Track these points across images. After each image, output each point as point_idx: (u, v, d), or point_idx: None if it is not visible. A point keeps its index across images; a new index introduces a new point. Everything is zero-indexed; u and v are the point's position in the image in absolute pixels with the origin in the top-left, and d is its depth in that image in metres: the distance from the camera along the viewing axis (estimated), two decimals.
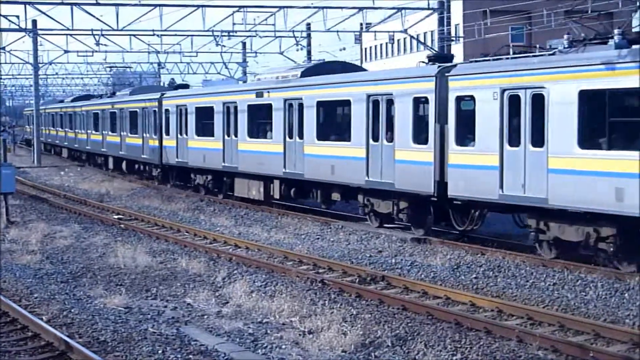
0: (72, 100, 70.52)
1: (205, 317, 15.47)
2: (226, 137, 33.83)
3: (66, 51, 61.86)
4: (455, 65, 22.95)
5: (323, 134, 27.91)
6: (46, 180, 47.72)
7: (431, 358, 12.82)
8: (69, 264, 20.96)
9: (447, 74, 22.30)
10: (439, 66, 22.96)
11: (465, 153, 21.68)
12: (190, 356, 12.77)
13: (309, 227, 26.92)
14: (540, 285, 17.60)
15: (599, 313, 15.24)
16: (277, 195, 30.94)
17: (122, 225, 27.93)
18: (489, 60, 21.79)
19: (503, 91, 20.44)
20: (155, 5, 43.66)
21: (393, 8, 47.13)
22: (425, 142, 22.89)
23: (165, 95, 41.59)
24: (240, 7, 43.90)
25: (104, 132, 53.10)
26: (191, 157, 37.29)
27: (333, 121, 28.52)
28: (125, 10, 43.74)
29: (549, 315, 14.86)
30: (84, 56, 65.09)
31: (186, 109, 37.99)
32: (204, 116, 36.13)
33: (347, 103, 26.39)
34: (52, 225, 27.68)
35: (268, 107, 30.76)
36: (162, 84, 71.25)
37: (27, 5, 44.97)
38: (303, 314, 15.20)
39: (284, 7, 44.17)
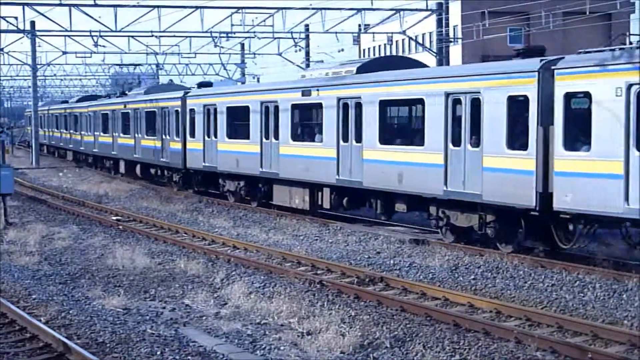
0: (78, 101, 67.35)
1: (204, 318, 15.47)
2: (264, 139, 30.84)
3: (64, 52, 61.92)
4: (562, 58, 19.90)
5: (387, 137, 24.98)
6: (44, 181, 47.70)
7: (430, 359, 12.83)
8: (68, 265, 20.95)
9: (553, 68, 19.43)
10: (542, 59, 20.07)
11: (577, 159, 18.80)
12: (189, 357, 12.77)
13: (308, 228, 26.92)
14: (539, 286, 17.61)
15: (597, 314, 15.25)
16: (326, 205, 27.93)
17: (120, 227, 27.92)
18: (607, 50, 19.02)
19: (629, 86, 17.74)
20: (154, 7, 43.71)
21: (391, 9, 47.19)
22: (524, 147, 19.93)
23: (189, 94, 38.36)
24: (239, 8, 43.96)
25: (114, 134, 49.83)
26: (221, 162, 34.10)
27: (400, 122, 26.30)
28: (124, 11, 43.79)
29: (548, 317, 14.86)
30: (82, 57, 65.18)
31: (215, 109, 34.74)
32: (238, 116, 33.15)
33: (418, 102, 23.63)
34: (51, 227, 27.67)
35: (317, 107, 28.04)
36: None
37: (26, 7, 45.01)
38: (301, 315, 15.20)
39: (282, 8, 44.22)
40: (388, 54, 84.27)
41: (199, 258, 21.65)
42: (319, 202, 28.22)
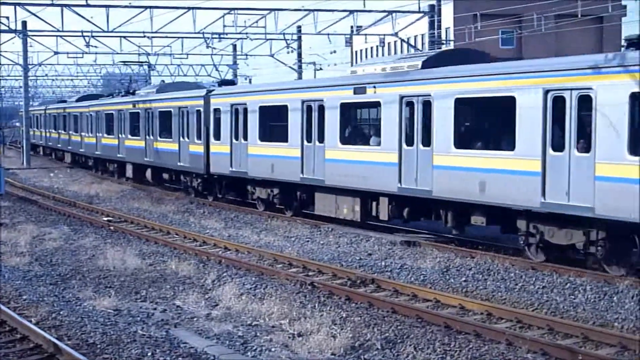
0: (77, 100, 64.18)
1: (195, 319, 15.45)
2: (306, 142, 27.72)
3: (56, 52, 61.84)
4: None
5: (464, 140, 21.93)
6: (35, 181, 47.61)
7: None
8: (58, 266, 20.90)
9: None
10: None
11: None
12: (180, 358, 12.75)
13: (299, 229, 26.92)
14: (530, 288, 17.64)
15: (588, 316, 15.28)
16: (383, 216, 24.96)
17: (111, 227, 27.88)
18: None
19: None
20: (146, 7, 43.69)
21: (384, 11, 47.23)
22: None
23: (214, 92, 34.98)
24: (231, 9, 43.94)
25: (121, 135, 46.44)
26: (252, 167, 30.93)
27: (481, 123, 22.98)
28: (116, 11, 43.78)
29: (538, 319, 14.88)
30: (74, 58, 65.08)
31: (245, 109, 31.55)
32: (273, 117, 30.22)
33: (506, 100, 20.32)
34: (41, 227, 27.61)
35: (373, 106, 25.15)
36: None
37: (17, 7, 44.93)
38: (292, 317, 15.19)
39: (274, 9, 44.22)
40: (380, 56, 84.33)
41: (190, 259, 21.63)
42: (373, 213, 25.40)
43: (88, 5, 42.84)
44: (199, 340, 13.92)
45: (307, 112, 27.79)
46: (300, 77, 62.68)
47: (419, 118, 23.04)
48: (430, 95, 22.61)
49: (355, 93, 25.52)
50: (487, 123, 22.59)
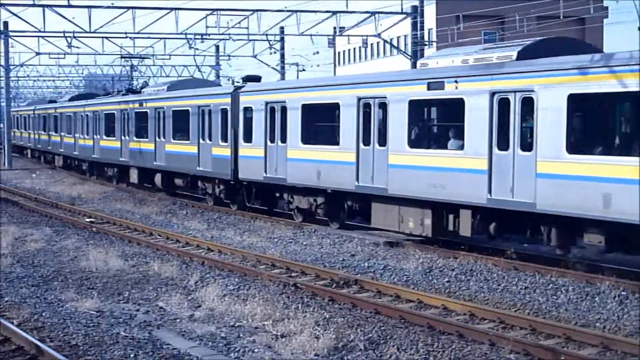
0: (70, 100, 60.53)
1: (178, 320, 15.42)
2: (363, 145, 24.27)
3: (38, 53, 61.57)
4: None
5: (579, 143, 18.67)
6: (17, 183, 47.40)
7: None
8: (40, 267, 20.82)
9: None
10: None
11: None
12: None
13: (282, 230, 26.90)
14: (512, 289, 17.69)
15: (570, 317, 15.34)
16: (465, 231, 21.36)
17: (94, 229, 27.78)
18: None
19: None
20: (128, 8, 43.59)
21: (366, 12, 47.30)
22: None
23: (244, 89, 31.15)
24: (214, 10, 43.89)
25: (124, 137, 42.66)
26: (292, 173, 27.43)
27: (601, 123, 19.39)
28: (98, 12, 43.61)
29: (521, 319, 14.93)
30: (55, 58, 64.83)
31: (284, 107, 28.00)
32: (320, 116, 27.05)
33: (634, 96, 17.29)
34: (23, 229, 27.48)
35: (453, 104, 21.56)
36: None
37: None
38: (276, 318, 15.19)
39: (257, 10, 44.19)
40: (363, 57, 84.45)
41: (173, 260, 21.58)
42: (451, 227, 21.86)
43: (70, 6, 42.71)
44: (182, 341, 13.89)
45: (365, 110, 24.37)
46: (283, 79, 62.60)
47: (517, 117, 19.68)
48: (533, 90, 19.21)
49: (429, 89, 22.09)
50: (612, 123, 19.33)
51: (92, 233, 27.05)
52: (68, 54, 58.25)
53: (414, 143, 22.70)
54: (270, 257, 21.64)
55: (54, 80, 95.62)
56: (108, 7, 44.18)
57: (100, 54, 57.48)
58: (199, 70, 66.85)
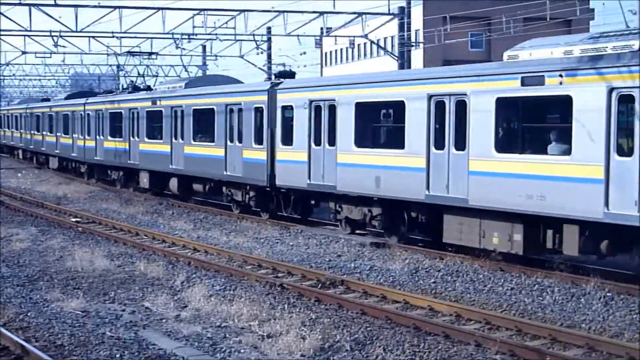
0: (67, 98, 57.29)
1: (164, 321, 15.39)
2: (435, 149, 21.46)
3: (24, 52, 61.32)
4: None
5: None
6: (2, 182, 47.23)
7: None
8: (26, 267, 20.75)
9: None
10: None
11: None
12: None
13: (268, 231, 26.88)
14: (498, 290, 17.72)
15: (556, 317, 15.38)
16: (570, 250, 18.57)
17: (79, 228, 27.72)
18: None
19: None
20: (115, 7, 43.42)
21: (353, 13, 47.27)
22: None
23: (282, 86, 28.34)
24: (201, 10, 43.77)
25: (133, 138, 39.69)
26: (343, 179, 24.46)
27: None
28: (85, 11, 43.45)
29: (507, 320, 14.96)
30: (42, 57, 64.54)
31: (333, 106, 25.12)
32: (379, 116, 24.88)
33: None
34: (9, 228, 27.40)
35: (556, 102, 19.32)
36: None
37: None
38: (262, 318, 15.18)
39: (244, 10, 44.11)
40: (349, 57, 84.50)
41: (159, 260, 21.55)
42: (550, 244, 19.16)
43: (56, 5, 42.53)
44: (168, 341, 13.87)
45: (437, 109, 21.57)
46: (269, 79, 62.50)
47: None
48: None
49: (524, 84, 19.31)
50: None
51: (77, 233, 26.98)
52: (54, 53, 58.02)
53: (502, 147, 19.86)
54: (256, 257, 21.63)
55: (40, 80, 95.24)
56: (95, 6, 44.02)
57: (86, 54, 57.27)
58: (186, 70, 66.73)
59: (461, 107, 20.81)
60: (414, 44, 53.51)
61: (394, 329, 14.75)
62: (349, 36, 48.11)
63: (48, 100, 67.82)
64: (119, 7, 43.04)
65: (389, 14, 48.27)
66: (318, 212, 28.54)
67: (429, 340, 13.99)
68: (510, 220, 19.68)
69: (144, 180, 38.74)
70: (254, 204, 30.15)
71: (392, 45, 60.74)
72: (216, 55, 59.89)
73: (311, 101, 26.04)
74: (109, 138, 43.15)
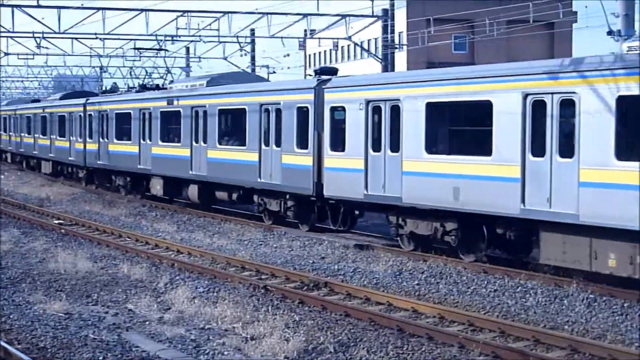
0: (62, 98, 54.10)
1: (147, 323, 15.35)
2: (532, 157, 18.70)
3: (6, 54, 61.04)
4: None
5: None
6: None
7: None
8: (8, 269, 20.65)
9: None
10: None
11: None
12: None
13: (252, 233, 26.85)
14: (482, 291, 17.76)
15: (539, 319, 15.42)
16: None
17: (62, 231, 27.62)
18: None
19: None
20: (98, 9, 43.32)
21: (337, 15, 47.30)
22: None
23: (331, 85, 25.16)
24: (184, 11, 43.73)
25: (144, 141, 36.42)
26: (411, 190, 21.61)
27: None
28: (68, 13, 43.25)
29: (490, 322, 14.99)
30: (24, 59, 64.26)
31: (396, 106, 22.37)
32: (454, 118, 21.39)
33: None
34: None
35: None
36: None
37: None
38: (246, 320, 15.16)
39: (228, 12, 44.08)
40: (333, 59, 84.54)
41: (143, 262, 21.49)
42: None
43: (39, 6, 42.38)
44: (151, 344, 13.84)
45: (535, 110, 18.77)
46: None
47: None
48: None
49: None
50: None
51: (60, 235, 26.88)
52: (37, 54, 57.81)
53: (623, 154, 16.99)
54: (240, 259, 21.60)
55: (22, 81, 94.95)
56: (78, 7, 43.88)
57: (69, 55, 57.09)
58: (169, 72, 66.59)
59: (569, 107, 18.15)
60: (397, 46, 53.64)
61: (378, 330, 14.76)
62: (333, 38, 48.09)
63: (38, 101, 65.27)
64: (102, 9, 42.92)
65: (372, 16, 48.33)
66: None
67: (412, 342, 14.01)
68: (626, 239, 16.92)
69: (157, 187, 35.55)
70: (292, 215, 27.14)
71: (376, 48, 60.84)
72: (200, 57, 59.83)
73: (368, 101, 23.20)
74: (115, 141, 39.76)
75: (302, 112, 25.96)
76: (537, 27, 52.37)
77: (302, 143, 25.90)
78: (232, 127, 30.45)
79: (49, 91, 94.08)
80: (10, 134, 65.32)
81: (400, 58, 61.25)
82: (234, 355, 13.20)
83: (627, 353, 12.98)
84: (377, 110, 23.05)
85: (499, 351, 13.25)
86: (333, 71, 27.75)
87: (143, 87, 42.00)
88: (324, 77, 26.31)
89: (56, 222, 29.73)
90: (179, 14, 44.30)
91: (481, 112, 20.13)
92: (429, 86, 21.68)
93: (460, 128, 21.32)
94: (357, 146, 23.50)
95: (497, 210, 19.39)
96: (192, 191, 32.67)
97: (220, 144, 30.45)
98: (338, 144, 24.40)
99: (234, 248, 23.84)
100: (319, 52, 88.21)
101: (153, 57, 51.48)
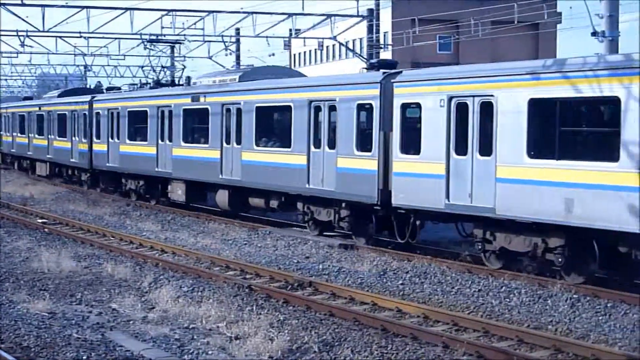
0: (60, 95, 50.62)
1: (131, 322, 15.32)
2: None
3: None
4: None
5: None
6: None
7: None
8: None
9: None
10: None
11: None
12: None
13: (237, 232, 26.83)
14: (466, 291, 17.80)
15: (523, 319, 15.46)
16: None
17: (46, 230, 27.52)
18: None
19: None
20: (82, 7, 43.19)
21: (322, 15, 47.32)
22: None
23: (400, 79, 22.12)
24: (169, 10, 43.65)
25: (162, 142, 33.38)
26: (507, 200, 18.74)
27: None
28: (52, 11, 43.19)
29: (474, 321, 15.02)
30: (8, 57, 64.00)
31: (487, 103, 19.49)
32: (566, 117, 18.11)
33: None
34: None
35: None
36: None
37: None
38: (230, 320, 15.15)
39: (213, 11, 44.03)
40: (318, 59, 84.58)
41: (127, 262, 21.44)
42: None
43: (23, 5, 42.24)
44: (135, 343, 13.81)
45: None
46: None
47: None
48: None
49: None
50: None
51: (44, 234, 26.79)
52: (21, 53, 57.60)
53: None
54: (224, 258, 21.57)
55: (6, 80, 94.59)
56: (62, 6, 43.76)
57: (53, 54, 56.91)
58: (154, 71, 66.46)
59: None
60: (382, 46, 53.72)
61: (362, 330, 14.77)
62: (318, 38, 48.11)
63: (31, 98, 62.76)
64: (87, 7, 42.79)
65: (357, 16, 48.36)
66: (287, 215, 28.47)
67: (396, 341, 14.02)
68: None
69: (178, 191, 32.43)
70: (346, 226, 24.05)
71: (361, 47, 60.93)
72: (184, 56, 59.71)
73: (451, 97, 20.25)
74: (127, 141, 36.53)
75: (364, 110, 23.17)
76: (522, 28, 52.53)
77: (364, 145, 22.97)
78: (273, 126, 28.04)
79: (33, 90, 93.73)
80: (1, 133, 62.58)
81: (385, 58, 61.37)
82: (218, 355, 13.19)
83: (611, 353, 13.02)
84: (462, 108, 20.06)
85: (483, 351, 13.28)
86: (391, 64, 24.61)
87: (157, 84, 39.50)
88: (389, 70, 23.18)
89: (40, 221, 29.63)
90: (164, 13, 44.21)
91: (604, 111, 17.83)
92: (534, 80, 18.37)
93: (576, 129, 18.39)
94: (436, 148, 20.57)
95: (623, 226, 16.44)
96: (222, 197, 29.58)
97: (257, 145, 27.44)
98: (411, 146, 21.45)
99: (219, 247, 23.82)
100: (304, 52, 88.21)
101: (163, 51, 49.39)
